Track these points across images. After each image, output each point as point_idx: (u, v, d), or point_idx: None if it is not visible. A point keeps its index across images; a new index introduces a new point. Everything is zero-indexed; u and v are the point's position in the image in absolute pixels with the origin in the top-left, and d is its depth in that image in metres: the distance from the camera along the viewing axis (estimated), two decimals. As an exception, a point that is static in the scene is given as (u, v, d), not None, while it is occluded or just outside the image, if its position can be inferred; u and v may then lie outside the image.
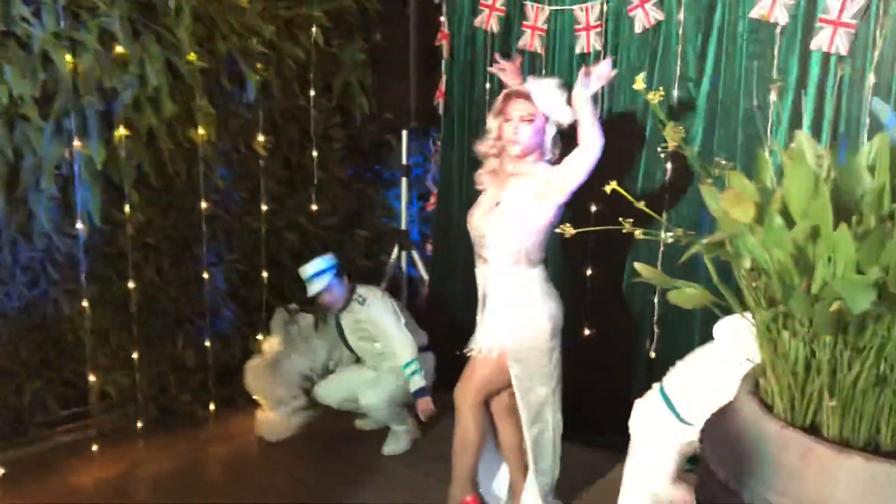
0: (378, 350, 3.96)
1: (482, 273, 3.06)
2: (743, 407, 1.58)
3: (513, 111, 2.94)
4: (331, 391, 4.05)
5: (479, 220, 3.02)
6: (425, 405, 3.70)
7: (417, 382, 3.71)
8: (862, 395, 1.33)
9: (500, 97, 3.02)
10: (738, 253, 1.47)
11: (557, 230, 1.51)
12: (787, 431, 1.41)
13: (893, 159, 1.34)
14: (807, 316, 1.35)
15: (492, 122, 3.03)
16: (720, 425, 1.66)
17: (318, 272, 3.86)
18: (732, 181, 1.46)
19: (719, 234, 1.49)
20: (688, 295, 1.71)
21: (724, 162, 1.42)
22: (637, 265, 1.49)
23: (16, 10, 3.00)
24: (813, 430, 1.43)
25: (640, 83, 1.38)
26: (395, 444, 3.91)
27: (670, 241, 1.31)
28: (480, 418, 3.06)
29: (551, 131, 2.97)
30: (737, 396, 1.64)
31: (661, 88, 1.55)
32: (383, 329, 3.85)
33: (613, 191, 1.67)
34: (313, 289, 3.85)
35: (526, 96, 2.93)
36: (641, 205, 1.40)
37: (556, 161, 3.00)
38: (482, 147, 3.07)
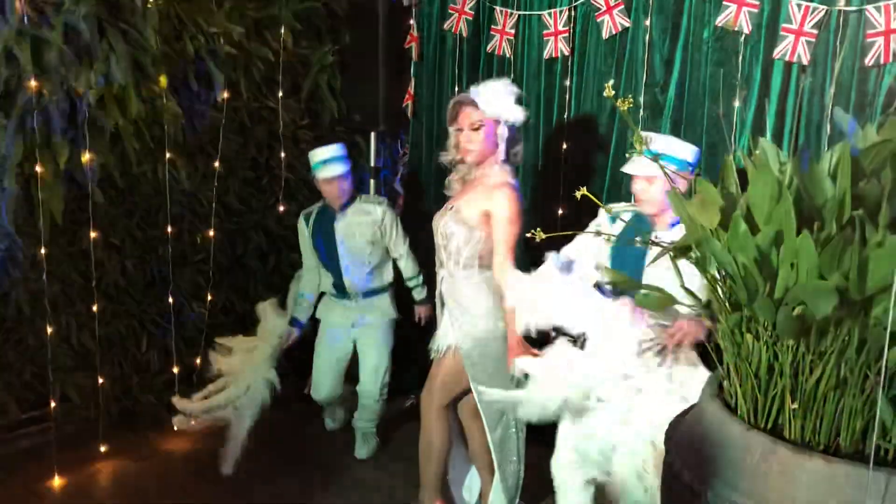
0: (372, 263, 3.86)
1: (439, 274, 3.09)
2: (707, 409, 1.61)
3: (462, 120, 2.95)
4: (330, 380, 3.93)
5: (436, 223, 3.05)
6: (426, 311, 3.94)
7: (422, 292, 3.97)
8: (823, 397, 1.36)
9: (450, 106, 3.02)
10: (704, 258, 1.50)
11: (528, 234, 1.52)
12: (750, 433, 1.44)
13: (854, 168, 1.38)
14: (770, 320, 1.38)
15: (450, 131, 3.04)
16: (684, 427, 1.69)
17: (338, 156, 3.79)
18: (699, 187, 1.49)
19: (685, 239, 1.52)
20: (653, 299, 1.75)
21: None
22: (606, 269, 1.51)
23: (-22, 6, 2.95)
24: (775, 431, 1.46)
25: (609, 90, 1.40)
26: (366, 447, 3.91)
27: (638, 245, 1.33)
28: (445, 423, 3.07)
29: (504, 133, 2.97)
30: (701, 398, 1.68)
31: (630, 96, 1.57)
32: (396, 235, 3.88)
33: (581, 195, 1.70)
34: (334, 171, 3.74)
35: (471, 103, 2.92)
36: (609, 209, 1.42)
37: (516, 161, 3.02)
38: (447, 157, 3.08)
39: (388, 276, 3.98)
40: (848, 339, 1.32)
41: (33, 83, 3.17)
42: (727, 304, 1.46)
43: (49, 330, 3.56)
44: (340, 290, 3.92)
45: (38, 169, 3.30)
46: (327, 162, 3.76)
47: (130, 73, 3.42)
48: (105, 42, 3.35)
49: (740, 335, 1.47)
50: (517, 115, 2.93)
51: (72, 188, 3.53)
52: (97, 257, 3.71)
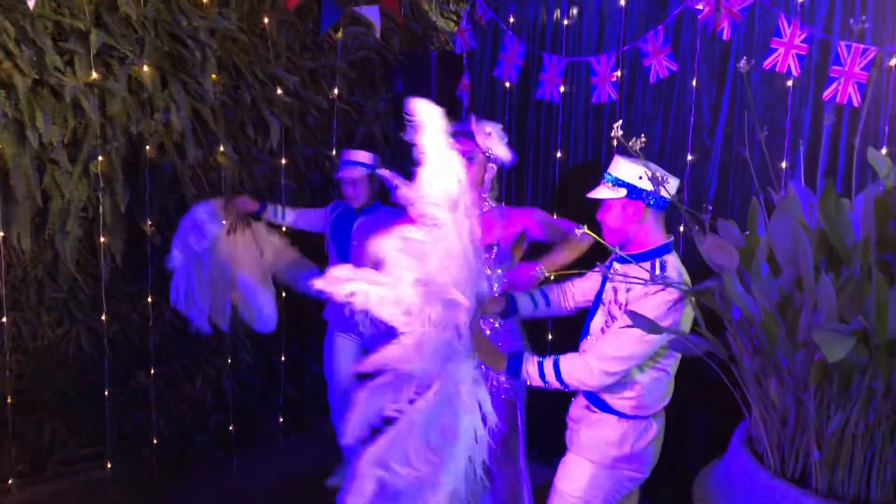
0: None
1: None
2: (735, 457, 1.57)
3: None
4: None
5: None
6: None
7: None
8: (849, 446, 1.31)
9: None
10: (725, 301, 1.47)
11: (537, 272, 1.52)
12: (776, 483, 1.40)
13: (881, 211, 1.35)
14: (792, 365, 1.34)
15: None
16: (714, 475, 1.64)
17: (360, 162, 3.69)
18: (719, 229, 1.47)
19: (706, 283, 1.50)
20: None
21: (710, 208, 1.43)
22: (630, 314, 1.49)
23: (49, 60, 3.12)
24: (804, 481, 1.42)
25: (616, 130, 1.40)
26: None
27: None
28: None
29: (492, 171, 3.02)
30: (731, 446, 1.63)
31: (643, 136, 1.55)
32: None
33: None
34: (352, 173, 3.64)
35: (466, 134, 2.96)
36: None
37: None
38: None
39: None
40: (873, 386, 1.28)
41: (98, 131, 3.33)
42: (750, 349, 1.43)
43: (107, 368, 3.68)
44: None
45: (101, 212, 3.46)
46: (351, 164, 3.70)
47: (189, 120, 3.57)
48: (166, 92, 3.52)
49: (764, 381, 1.43)
50: (507, 155, 3.00)
51: (132, 231, 3.67)
52: (154, 298, 3.83)
